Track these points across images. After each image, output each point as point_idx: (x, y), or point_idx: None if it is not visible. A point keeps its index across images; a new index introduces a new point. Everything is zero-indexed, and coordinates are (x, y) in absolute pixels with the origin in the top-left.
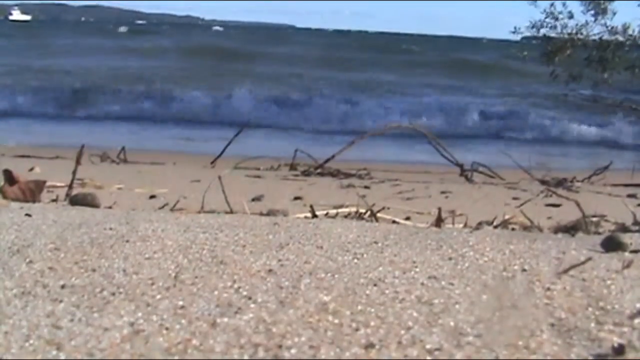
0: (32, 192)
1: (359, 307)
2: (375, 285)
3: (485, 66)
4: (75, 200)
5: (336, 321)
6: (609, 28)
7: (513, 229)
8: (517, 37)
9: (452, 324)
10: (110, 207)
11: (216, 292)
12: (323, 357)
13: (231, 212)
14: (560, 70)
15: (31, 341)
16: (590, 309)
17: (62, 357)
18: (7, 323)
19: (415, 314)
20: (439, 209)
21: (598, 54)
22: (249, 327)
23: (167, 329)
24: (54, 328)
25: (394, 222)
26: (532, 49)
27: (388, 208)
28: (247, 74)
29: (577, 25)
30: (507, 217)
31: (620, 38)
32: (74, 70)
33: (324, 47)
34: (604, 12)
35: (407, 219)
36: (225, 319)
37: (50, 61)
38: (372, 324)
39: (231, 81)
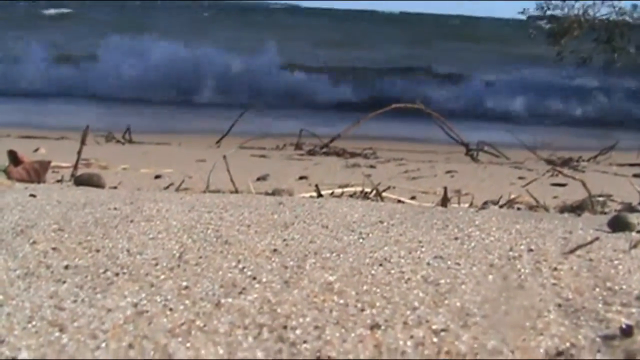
0: (37, 173)
1: (365, 287)
2: (380, 265)
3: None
4: (80, 181)
5: (341, 301)
6: (617, 9)
7: (519, 209)
8: (524, 17)
9: (458, 304)
10: (115, 187)
11: (220, 272)
12: (328, 337)
13: (236, 191)
14: (567, 51)
15: (34, 322)
16: (597, 289)
17: (65, 338)
18: (10, 304)
19: (421, 294)
20: (445, 189)
21: (606, 34)
22: (254, 307)
23: (170, 309)
24: (57, 309)
25: (399, 201)
26: (538, 29)
27: (394, 187)
28: None
29: (583, 5)
30: (512, 196)
31: (628, 19)
32: None
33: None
34: None
35: (413, 198)
36: (230, 300)
37: None
38: (378, 304)
39: None
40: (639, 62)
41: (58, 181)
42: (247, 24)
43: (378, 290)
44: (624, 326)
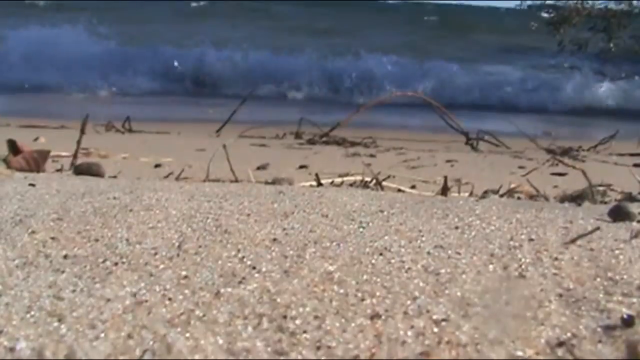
0: (37, 162)
1: (365, 277)
2: (381, 254)
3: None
4: (80, 170)
5: (341, 291)
6: None
7: (519, 198)
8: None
9: (458, 294)
10: (114, 177)
11: (220, 262)
12: (328, 327)
13: (236, 180)
14: (566, 40)
15: (33, 312)
16: (598, 279)
17: (64, 328)
18: (9, 294)
19: (421, 284)
20: (445, 178)
21: (603, 23)
22: (253, 297)
23: (170, 299)
24: (56, 299)
25: (399, 190)
26: (538, 19)
27: (394, 176)
28: None
29: None
30: (513, 186)
31: (625, 7)
32: None
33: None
34: None
35: (413, 187)
36: (229, 289)
37: None
38: (378, 293)
39: None
40: (634, 50)
41: (57, 170)
42: (237, 14)
43: (378, 279)
44: (625, 316)
